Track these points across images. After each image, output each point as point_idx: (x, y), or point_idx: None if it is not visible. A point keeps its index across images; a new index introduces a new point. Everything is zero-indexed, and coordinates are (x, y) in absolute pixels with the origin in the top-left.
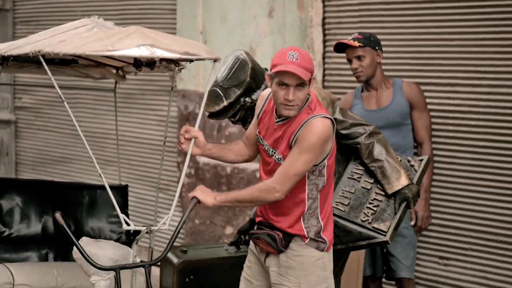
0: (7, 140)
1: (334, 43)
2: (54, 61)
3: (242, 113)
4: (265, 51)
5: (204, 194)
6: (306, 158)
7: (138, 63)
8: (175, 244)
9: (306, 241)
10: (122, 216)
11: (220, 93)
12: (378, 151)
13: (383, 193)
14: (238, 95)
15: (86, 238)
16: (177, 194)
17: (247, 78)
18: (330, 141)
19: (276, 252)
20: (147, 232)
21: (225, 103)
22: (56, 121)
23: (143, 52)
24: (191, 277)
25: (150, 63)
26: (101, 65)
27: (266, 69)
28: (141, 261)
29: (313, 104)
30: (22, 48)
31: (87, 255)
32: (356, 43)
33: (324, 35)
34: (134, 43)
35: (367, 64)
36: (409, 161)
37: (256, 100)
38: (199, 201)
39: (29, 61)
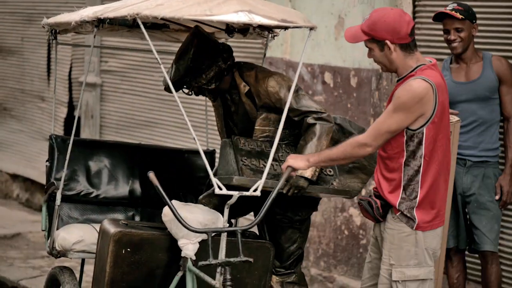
0: (92, 103)
1: (424, 14)
2: (145, 25)
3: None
4: (353, 21)
5: (296, 160)
6: (398, 116)
7: (231, 29)
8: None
9: (398, 214)
10: (215, 180)
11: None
12: (312, 133)
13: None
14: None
15: (176, 201)
16: (270, 160)
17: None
18: (427, 105)
19: (373, 220)
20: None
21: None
22: (142, 85)
23: (241, 18)
24: (128, 249)
25: (243, 30)
26: None
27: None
28: (228, 226)
29: (420, 70)
30: (118, 10)
31: (180, 216)
32: (459, 15)
33: (414, 6)
34: (232, 8)
35: (465, 36)
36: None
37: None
38: (294, 169)
39: (122, 25)
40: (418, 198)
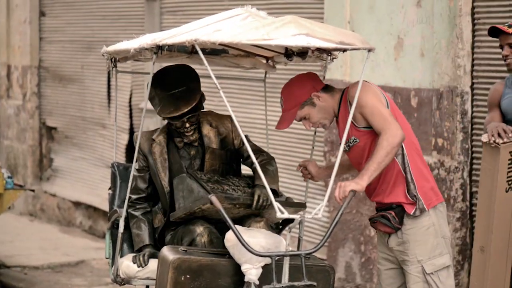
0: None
1: (483, 32)
2: (204, 51)
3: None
4: (413, 40)
5: (353, 183)
6: (375, 99)
7: (289, 53)
8: (175, 245)
9: (411, 212)
10: (276, 204)
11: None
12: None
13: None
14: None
15: (238, 226)
16: (331, 183)
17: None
18: (377, 91)
19: (394, 231)
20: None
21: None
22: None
23: (299, 41)
24: (187, 276)
25: (301, 53)
26: (252, 55)
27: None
28: (291, 250)
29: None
30: (176, 37)
31: (244, 240)
32: (510, 30)
33: (473, 24)
34: (290, 32)
35: None
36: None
37: None
38: (355, 193)
39: (181, 51)
40: (415, 179)
